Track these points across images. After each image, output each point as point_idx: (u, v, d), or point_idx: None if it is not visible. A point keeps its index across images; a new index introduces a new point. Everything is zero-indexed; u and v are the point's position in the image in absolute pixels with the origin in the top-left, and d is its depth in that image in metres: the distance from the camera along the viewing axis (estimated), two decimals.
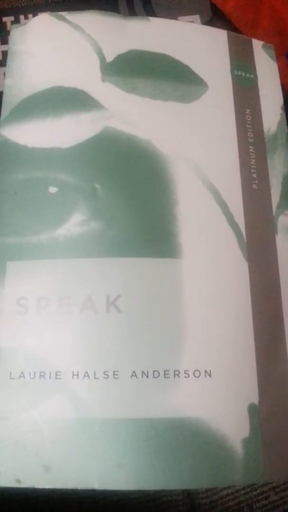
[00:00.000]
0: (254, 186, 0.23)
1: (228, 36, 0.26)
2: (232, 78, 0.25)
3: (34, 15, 0.28)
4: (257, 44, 0.26)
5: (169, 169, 0.22)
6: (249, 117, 0.24)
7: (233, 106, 0.24)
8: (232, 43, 0.26)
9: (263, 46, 0.26)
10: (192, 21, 0.28)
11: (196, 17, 0.28)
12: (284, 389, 0.20)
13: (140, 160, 0.22)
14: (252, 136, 0.24)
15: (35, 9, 0.27)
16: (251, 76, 0.25)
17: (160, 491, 0.29)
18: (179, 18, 0.28)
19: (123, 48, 0.24)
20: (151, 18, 0.25)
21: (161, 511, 0.28)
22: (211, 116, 0.23)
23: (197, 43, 0.25)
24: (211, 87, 0.24)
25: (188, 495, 0.29)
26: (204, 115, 0.23)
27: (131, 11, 0.28)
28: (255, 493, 0.29)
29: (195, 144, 0.23)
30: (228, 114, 0.24)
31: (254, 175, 0.23)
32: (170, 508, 0.29)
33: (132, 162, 0.22)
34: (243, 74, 0.25)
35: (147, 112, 0.23)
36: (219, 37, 0.25)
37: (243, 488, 0.29)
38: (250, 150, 0.23)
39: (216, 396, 0.19)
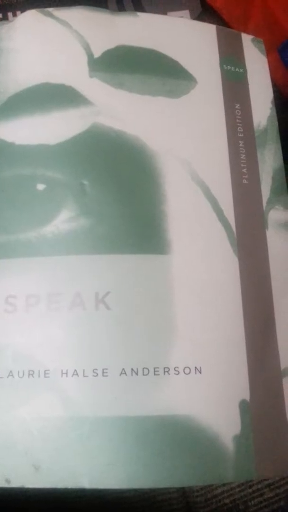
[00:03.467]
0: (244, 181, 0.23)
1: (217, 30, 0.25)
2: (221, 73, 0.24)
3: (23, 12, 0.27)
4: (246, 38, 0.26)
5: (158, 164, 0.22)
6: (238, 112, 0.24)
7: (223, 101, 0.24)
8: (221, 37, 0.25)
9: (252, 40, 0.26)
10: (181, 16, 0.28)
11: (186, 12, 0.28)
12: (276, 385, 0.20)
13: (128, 156, 0.22)
14: (242, 130, 0.24)
15: (23, 6, 0.27)
16: (241, 70, 0.25)
17: (155, 490, 0.28)
18: (169, 13, 0.28)
19: (111, 44, 0.23)
20: (139, 14, 0.25)
21: (156, 509, 0.28)
22: (200, 111, 0.23)
23: (185, 38, 0.25)
24: (200, 82, 0.24)
25: (183, 493, 0.29)
26: (193, 110, 0.23)
27: (120, 7, 0.27)
28: (250, 490, 0.29)
29: (184, 139, 0.23)
30: (217, 109, 0.24)
31: (244, 170, 0.23)
32: (165, 507, 0.28)
33: (120, 158, 0.22)
34: (233, 68, 0.25)
35: (136, 107, 0.23)
36: (208, 31, 0.25)
37: (238, 486, 0.29)
38: (240, 145, 0.23)
39: (207, 393, 0.19)
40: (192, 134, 0.23)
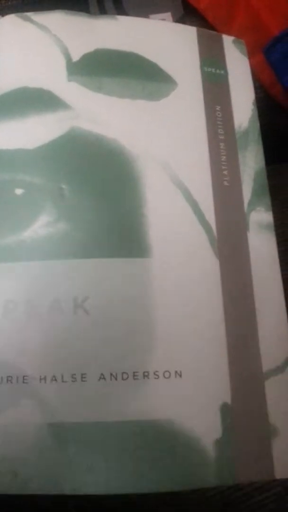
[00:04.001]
0: (225, 183, 0.23)
1: (198, 32, 0.25)
2: (202, 75, 0.24)
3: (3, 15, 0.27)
4: (227, 40, 0.26)
5: (137, 168, 0.22)
6: (219, 114, 0.24)
7: (203, 103, 0.24)
8: (201, 39, 0.25)
9: (233, 42, 0.26)
10: (163, 19, 0.28)
11: (168, 15, 0.28)
12: (258, 388, 0.20)
13: (107, 160, 0.22)
14: (222, 132, 0.24)
15: (2, 11, 0.27)
16: (222, 72, 0.25)
17: (147, 494, 0.28)
18: (151, 16, 0.28)
19: (89, 47, 0.23)
20: (119, 17, 0.25)
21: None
22: (180, 113, 0.23)
23: (165, 41, 0.25)
24: (180, 84, 0.24)
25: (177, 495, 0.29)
26: (173, 113, 0.23)
27: (102, 10, 0.27)
28: (239, 493, 0.29)
29: (164, 142, 0.22)
30: (197, 111, 0.23)
31: (225, 172, 0.23)
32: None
33: (99, 161, 0.21)
34: (213, 70, 0.25)
35: (114, 111, 0.22)
36: (188, 33, 0.25)
37: (228, 488, 0.29)
38: (221, 147, 0.23)
39: (187, 397, 0.19)
40: (172, 137, 0.23)
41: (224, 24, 0.33)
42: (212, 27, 0.34)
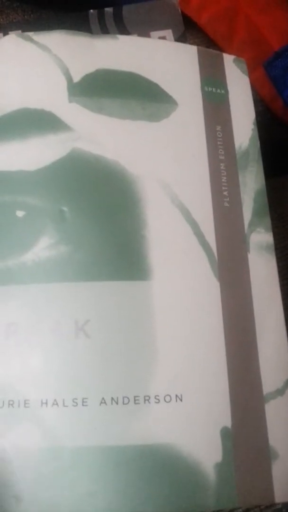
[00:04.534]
0: (226, 204, 0.23)
1: (198, 51, 0.26)
2: (203, 95, 0.24)
3: (5, 34, 0.27)
4: (228, 59, 0.26)
5: (138, 189, 0.22)
6: (220, 134, 0.24)
7: (204, 123, 0.24)
8: (202, 58, 0.25)
9: (234, 61, 0.26)
10: (164, 36, 0.28)
11: (169, 32, 0.28)
12: (258, 411, 0.20)
13: (108, 181, 0.22)
14: (223, 153, 0.24)
15: (4, 29, 0.27)
16: (222, 91, 0.25)
17: None
18: (151, 33, 0.28)
19: (90, 68, 0.23)
20: (119, 36, 0.25)
21: None
22: (181, 133, 0.23)
23: (166, 60, 0.25)
24: (181, 105, 0.24)
25: None
26: (173, 133, 0.23)
27: (103, 29, 0.27)
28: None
29: (165, 163, 0.23)
30: (198, 131, 0.24)
31: (225, 193, 0.23)
32: None
33: (100, 183, 0.22)
34: (214, 90, 0.25)
35: (115, 132, 0.23)
36: (189, 53, 0.25)
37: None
38: (221, 167, 0.23)
39: (188, 421, 0.19)
40: (173, 157, 0.23)
41: (225, 40, 0.33)
42: (212, 43, 0.34)
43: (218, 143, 0.24)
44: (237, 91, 0.25)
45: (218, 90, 0.25)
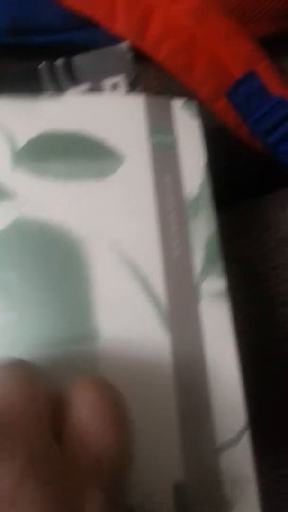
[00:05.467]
0: (175, 255, 0.23)
1: (146, 101, 0.26)
2: (150, 145, 0.25)
3: None
4: (177, 104, 0.27)
5: (84, 250, 0.22)
6: (168, 184, 0.24)
7: (151, 175, 0.24)
8: (150, 107, 0.26)
9: (184, 105, 0.27)
10: (117, 82, 0.28)
11: (121, 77, 0.29)
12: (212, 463, 0.20)
13: (53, 246, 0.22)
14: (172, 203, 0.24)
15: None
16: (171, 139, 0.25)
17: None
18: (104, 80, 0.28)
19: (35, 132, 0.24)
20: (64, 96, 0.25)
21: None
22: (128, 189, 0.24)
23: (112, 115, 0.25)
24: (128, 159, 0.24)
25: None
26: (120, 190, 0.24)
27: (54, 81, 0.28)
28: None
29: (112, 220, 0.23)
30: (146, 184, 0.24)
31: (175, 244, 0.23)
32: None
33: (45, 248, 0.22)
34: (162, 138, 0.25)
35: (61, 194, 0.23)
36: (135, 104, 0.26)
37: None
38: (170, 218, 0.24)
39: (139, 478, 0.20)
40: (120, 214, 0.23)
41: (184, 73, 0.34)
42: (171, 78, 0.34)
43: (167, 193, 0.24)
44: (187, 136, 0.26)
45: (166, 139, 0.25)
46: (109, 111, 0.25)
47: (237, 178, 0.36)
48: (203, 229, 0.24)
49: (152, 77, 0.36)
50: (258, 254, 0.33)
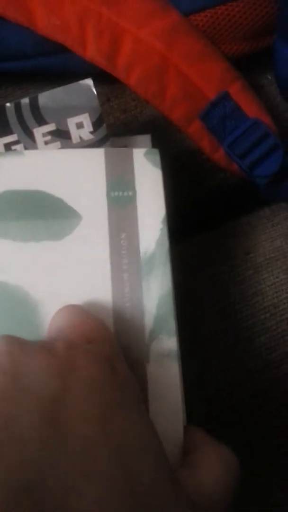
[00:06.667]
0: (127, 316, 0.24)
1: (106, 154, 0.26)
2: (108, 201, 0.25)
3: None
4: (138, 153, 0.27)
5: (41, 312, 0.24)
6: (124, 242, 0.25)
7: (108, 233, 0.25)
8: (110, 160, 0.26)
9: (145, 154, 0.27)
10: (81, 122, 0.28)
11: (86, 116, 0.28)
12: None
13: (11, 308, 0.23)
14: (127, 262, 0.25)
15: None
16: (130, 193, 0.26)
17: None
18: (69, 119, 0.28)
19: None
20: (26, 152, 0.26)
21: None
22: (84, 249, 0.25)
23: (71, 172, 0.25)
24: (85, 217, 0.25)
25: None
26: (76, 250, 0.24)
27: (21, 121, 0.28)
28: None
29: (67, 283, 0.24)
30: (102, 243, 0.25)
31: (128, 304, 0.24)
32: None
33: (4, 309, 0.23)
34: (121, 193, 0.26)
35: (19, 256, 0.24)
36: (95, 158, 0.26)
37: None
38: (125, 278, 0.25)
39: None
40: (75, 276, 0.24)
41: (156, 97, 0.33)
42: (144, 102, 0.34)
43: (122, 252, 0.25)
44: (147, 188, 0.26)
45: (125, 193, 0.26)
46: (70, 168, 0.25)
47: (212, 201, 0.37)
48: (156, 288, 0.25)
49: (130, 99, 0.35)
50: (235, 282, 0.33)
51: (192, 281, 0.33)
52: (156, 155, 0.27)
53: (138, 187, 0.26)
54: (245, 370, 0.30)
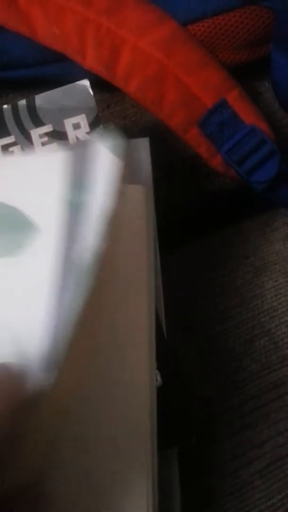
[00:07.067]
0: None
1: (64, 158, 0.22)
2: (63, 213, 0.22)
3: None
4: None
5: None
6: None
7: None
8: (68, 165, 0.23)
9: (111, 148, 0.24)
10: (78, 123, 0.29)
11: (82, 117, 0.29)
12: None
13: None
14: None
15: None
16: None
17: None
18: (65, 120, 0.29)
19: None
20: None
21: None
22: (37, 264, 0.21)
23: (30, 179, 0.23)
24: (39, 231, 0.22)
25: None
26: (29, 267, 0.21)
27: (18, 123, 0.29)
28: None
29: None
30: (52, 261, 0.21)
31: None
32: None
33: None
34: (77, 202, 0.22)
35: None
36: (53, 164, 0.22)
37: None
38: None
39: None
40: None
41: (155, 105, 0.34)
42: (143, 109, 0.34)
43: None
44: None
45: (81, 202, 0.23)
46: (29, 174, 0.23)
47: (211, 206, 0.37)
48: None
49: (129, 105, 0.36)
50: (235, 286, 0.33)
51: (192, 285, 0.32)
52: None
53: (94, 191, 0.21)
54: (245, 372, 0.30)
